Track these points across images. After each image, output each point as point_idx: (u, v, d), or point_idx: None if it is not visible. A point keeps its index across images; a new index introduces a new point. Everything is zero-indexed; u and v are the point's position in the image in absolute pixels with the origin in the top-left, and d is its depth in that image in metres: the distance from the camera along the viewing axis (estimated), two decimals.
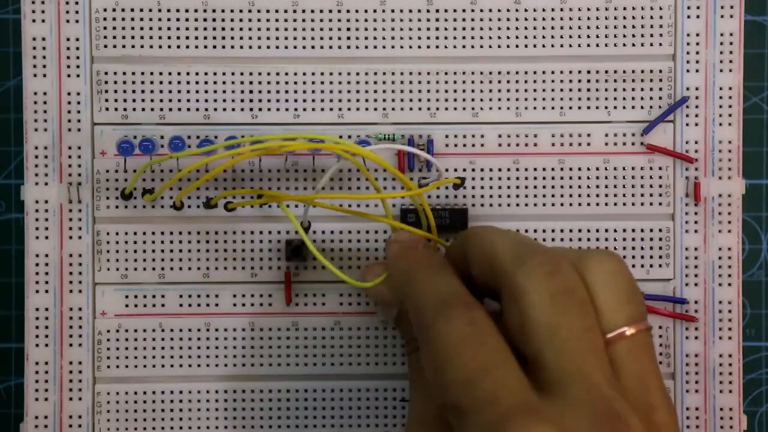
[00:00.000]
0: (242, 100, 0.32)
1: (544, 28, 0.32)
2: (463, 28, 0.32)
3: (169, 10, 0.32)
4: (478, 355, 0.23)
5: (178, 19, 0.32)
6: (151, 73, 0.32)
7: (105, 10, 0.32)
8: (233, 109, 0.32)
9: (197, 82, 0.32)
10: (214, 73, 0.32)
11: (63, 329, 0.32)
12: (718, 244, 0.32)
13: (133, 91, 0.32)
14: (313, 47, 0.32)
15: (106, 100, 0.32)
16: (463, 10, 0.32)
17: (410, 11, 0.32)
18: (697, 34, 0.32)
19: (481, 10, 0.32)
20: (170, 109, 0.32)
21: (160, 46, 0.32)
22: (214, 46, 0.32)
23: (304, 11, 0.32)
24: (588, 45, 0.32)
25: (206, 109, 0.32)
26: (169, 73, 0.32)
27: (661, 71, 0.32)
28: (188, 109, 0.32)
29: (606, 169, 0.32)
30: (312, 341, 0.32)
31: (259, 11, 0.32)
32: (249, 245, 0.32)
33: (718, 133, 0.32)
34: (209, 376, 0.32)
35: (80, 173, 0.32)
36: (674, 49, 0.32)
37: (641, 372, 0.24)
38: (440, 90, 0.32)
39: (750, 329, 0.37)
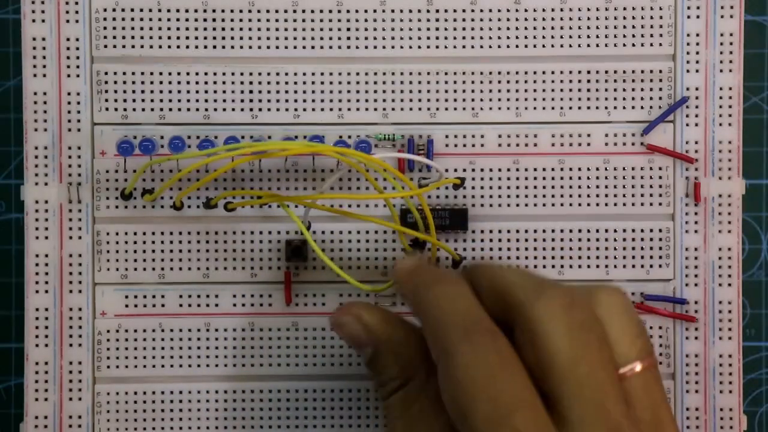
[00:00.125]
0: (242, 100, 0.32)
1: (544, 28, 0.32)
2: (463, 28, 0.32)
3: (169, 10, 0.32)
4: (507, 390, 0.22)
5: (178, 19, 0.32)
6: (151, 73, 0.32)
7: (105, 10, 0.32)
8: (233, 109, 0.32)
9: (197, 82, 0.32)
10: (214, 73, 0.32)
11: (63, 329, 0.32)
12: (718, 244, 0.32)
13: (133, 91, 0.32)
14: (313, 47, 0.32)
15: (106, 100, 0.32)
16: (463, 10, 0.32)
17: (410, 11, 0.32)
18: (697, 34, 0.32)
19: (481, 10, 0.32)
20: (170, 109, 0.32)
21: (160, 46, 0.32)
22: (214, 46, 0.32)
23: (304, 11, 0.32)
24: (588, 45, 0.32)
25: (206, 109, 0.32)
26: (169, 73, 0.32)
27: (661, 71, 0.32)
28: (188, 109, 0.32)
29: (606, 169, 0.32)
30: (312, 341, 0.32)
31: (259, 11, 0.32)
32: (249, 245, 0.32)
33: (718, 133, 0.32)
34: (209, 376, 0.32)
35: (80, 173, 0.32)
36: (674, 49, 0.32)
37: (654, 405, 0.24)
38: (440, 90, 0.32)
39: (750, 329, 0.37)
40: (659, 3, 0.32)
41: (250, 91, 0.32)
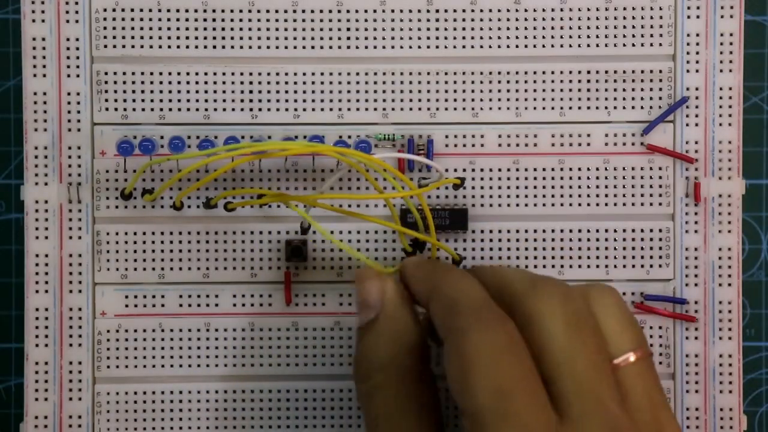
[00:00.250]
0: (242, 100, 0.32)
1: (544, 28, 0.32)
2: (463, 28, 0.32)
3: (169, 10, 0.32)
4: (514, 367, 0.23)
5: (178, 19, 0.32)
6: (151, 73, 0.32)
7: (105, 10, 0.32)
8: (233, 109, 0.32)
9: (197, 82, 0.32)
10: (214, 73, 0.32)
11: (63, 329, 0.32)
12: (718, 244, 0.32)
13: (133, 91, 0.32)
14: (313, 47, 0.32)
15: (106, 100, 0.32)
16: (463, 10, 0.32)
17: (410, 11, 0.32)
18: (697, 34, 0.32)
19: (481, 10, 0.32)
20: (170, 109, 0.32)
21: (160, 46, 0.32)
22: (214, 46, 0.32)
23: (304, 11, 0.32)
24: (588, 45, 0.32)
25: (206, 109, 0.32)
26: (169, 73, 0.32)
27: (661, 71, 0.32)
28: (188, 109, 0.32)
29: (606, 169, 0.32)
30: (312, 341, 0.32)
31: (258, 11, 0.32)
32: (249, 245, 0.32)
33: (718, 133, 0.32)
34: (209, 376, 0.32)
35: (80, 173, 0.32)
36: (674, 49, 0.32)
37: (648, 394, 0.24)
38: (440, 90, 0.32)
39: (750, 329, 0.37)
40: (659, 3, 0.32)
41: (250, 91, 0.32)
